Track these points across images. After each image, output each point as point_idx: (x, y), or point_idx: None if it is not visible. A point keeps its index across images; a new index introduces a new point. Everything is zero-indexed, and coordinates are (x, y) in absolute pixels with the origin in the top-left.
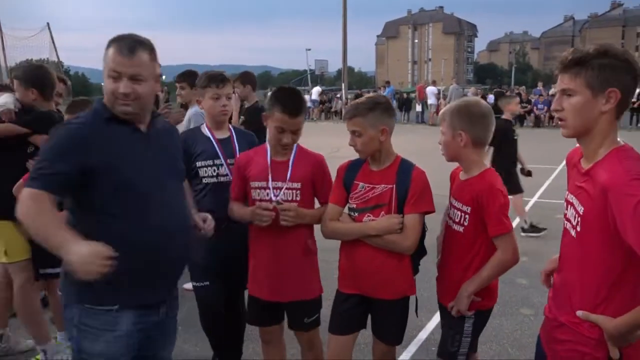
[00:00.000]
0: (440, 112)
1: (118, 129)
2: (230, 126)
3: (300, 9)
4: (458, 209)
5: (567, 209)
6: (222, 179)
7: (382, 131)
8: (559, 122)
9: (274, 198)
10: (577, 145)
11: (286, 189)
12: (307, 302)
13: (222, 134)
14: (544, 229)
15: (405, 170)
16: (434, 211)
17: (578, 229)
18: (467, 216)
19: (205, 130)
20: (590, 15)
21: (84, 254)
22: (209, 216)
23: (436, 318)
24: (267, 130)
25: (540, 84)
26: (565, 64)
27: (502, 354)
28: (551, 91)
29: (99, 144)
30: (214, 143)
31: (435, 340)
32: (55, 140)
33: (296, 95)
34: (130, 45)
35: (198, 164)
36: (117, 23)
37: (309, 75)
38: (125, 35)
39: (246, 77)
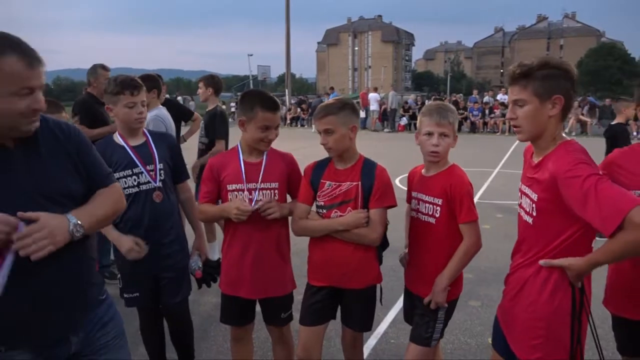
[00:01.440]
0: (441, 116)
1: None
2: (145, 130)
3: (241, 14)
4: (429, 202)
5: (521, 199)
6: (143, 187)
7: (352, 129)
8: (515, 129)
9: (253, 204)
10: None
11: (261, 189)
12: (282, 297)
13: (137, 141)
14: None
15: (369, 168)
16: (396, 205)
17: (534, 214)
18: (438, 208)
19: (118, 139)
20: (518, 28)
21: None
22: (41, 213)
23: (393, 312)
24: (245, 133)
25: (475, 92)
26: (513, 77)
27: (455, 342)
28: (485, 99)
29: None
30: (129, 151)
31: (392, 333)
32: None
33: (267, 92)
34: (34, 56)
35: (117, 175)
36: (51, 23)
37: (251, 81)
38: (22, 45)
39: (210, 80)
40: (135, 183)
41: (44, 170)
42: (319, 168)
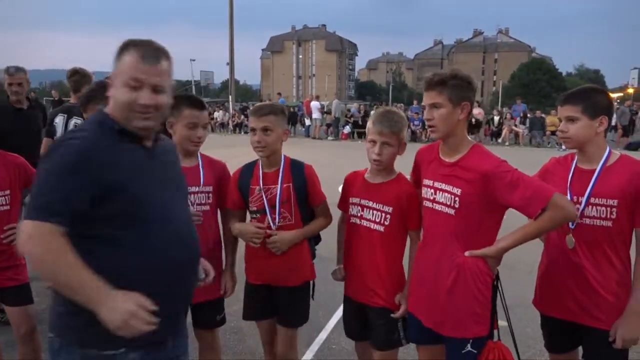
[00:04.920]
0: (383, 125)
1: (125, 144)
2: None
3: (183, 18)
4: (377, 210)
5: (435, 195)
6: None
7: (285, 132)
8: (430, 129)
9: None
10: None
11: (200, 192)
12: (217, 300)
13: None
14: None
15: (297, 168)
16: (326, 199)
17: (456, 206)
18: (388, 216)
19: None
20: (456, 41)
21: (128, 310)
22: (211, 269)
23: (335, 318)
24: (175, 135)
25: (415, 102)
26: (431, 83)
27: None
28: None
29: (108, 161)
30: None
31: (334, 338)
32: (57, 159)
33: (193, 95)
34: (155, 53)
35: None
36: None
37: (193, 87)
38: (144, 40)
39: None
40: None
41: (175, 170)
42: (246, 173)
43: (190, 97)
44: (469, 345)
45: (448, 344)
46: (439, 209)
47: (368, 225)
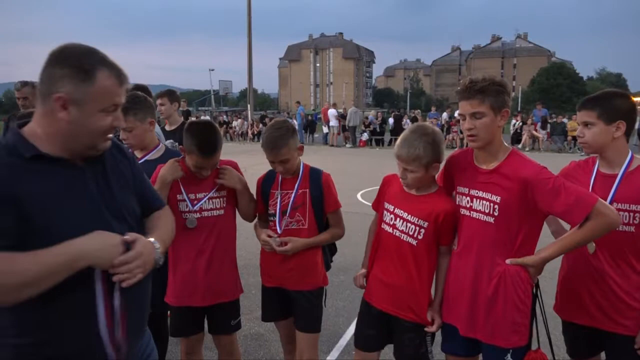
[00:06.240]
0: (401, 150)
1: (48, 166)
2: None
3: (202, 28)
4: (412, 223)
5: (471, 202)
6: None
7: (299, 149)
8: (471, 138)
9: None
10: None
11: (213, 198)
12: (232, 302)
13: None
14: None
15: (315, 176)
16: (341, 206)
17: (495, 214)
18: (423, 230)
19: None
20: (474, 47)
21: (103, 238)
22: (137, 239)
23: (354, 325)
24: (186, 161)
25: (433, 108)
26: (471, 92)
27: None
28: (444, 115)
29: (27, 187)
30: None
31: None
32: None
33: (210, 133)
34: (122, 72)
35: None
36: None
37: (212, 96)
38: (106, 58)
39: (175, 96)
40: None
41: (110, 187)
42: (268, 179)
43: (201, 143)
44: (509, 356)
45: (486, 353)
46: (477, 217)
47: (399, 236)
